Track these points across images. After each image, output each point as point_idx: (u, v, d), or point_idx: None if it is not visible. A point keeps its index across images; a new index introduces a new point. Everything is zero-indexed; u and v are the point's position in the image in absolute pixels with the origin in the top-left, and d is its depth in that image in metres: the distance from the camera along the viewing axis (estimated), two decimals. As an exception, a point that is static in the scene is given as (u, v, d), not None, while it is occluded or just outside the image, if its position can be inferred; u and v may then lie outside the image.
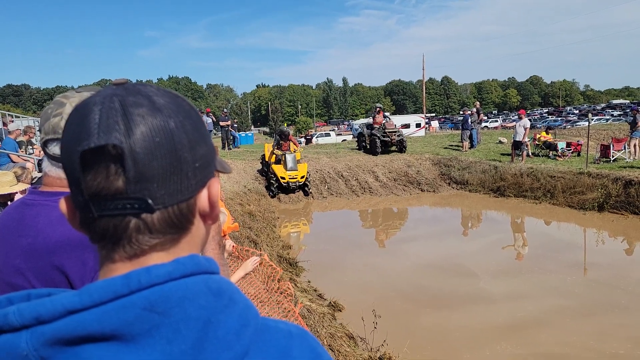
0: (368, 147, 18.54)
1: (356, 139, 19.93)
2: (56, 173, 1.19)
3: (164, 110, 0.54)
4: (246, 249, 4.97)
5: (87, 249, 1.04)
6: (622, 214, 10.64)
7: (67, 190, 0.56)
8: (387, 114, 19.36)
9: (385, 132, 17.89)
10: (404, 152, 18.00)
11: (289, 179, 14.02)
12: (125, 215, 0.52)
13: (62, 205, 0.57)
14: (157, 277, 0.51)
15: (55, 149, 1.18)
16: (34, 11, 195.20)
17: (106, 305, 0.48)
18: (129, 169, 0.50)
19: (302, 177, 14.25)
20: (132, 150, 0.50)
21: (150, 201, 0.52)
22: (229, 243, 2.69)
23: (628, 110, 49.63)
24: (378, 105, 19.05)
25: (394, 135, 18.02)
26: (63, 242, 1.04)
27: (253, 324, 0.55)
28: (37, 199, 1.14)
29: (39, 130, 1.26)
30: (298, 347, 0.57)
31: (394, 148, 18.21)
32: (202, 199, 0.58)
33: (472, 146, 18.60)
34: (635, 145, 14.01)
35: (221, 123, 20.57)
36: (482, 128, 24.10)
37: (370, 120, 19.81)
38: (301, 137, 41.69)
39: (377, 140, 17.76)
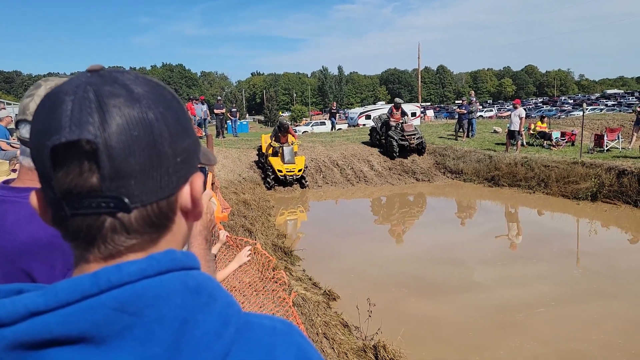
0: (380, 143, 17.01)
1: (369, 134, 18.19)
2: (28, 164, 1.12)
3: (143, 101, 0.50)
4: (240, 238, 4.96)
5: (56, 250, 0.99)
6: (615, 204, 10.70)
7: (39, 184, 0.52)
8: (401, 102, 17.18)
9: (403, 135, 16.04)
10: (423, 154, 16.39)
11: (286, 172, 13.86)
12: (100, 214, 0.49)
13: (33, 199, 0.53)
14: (128, 275, 0.47)
15: (23, 131, 1.12)
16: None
17: (73, 306, 0.45)
18: (104, 166, 0.47)
19: (300, 170, 14.10)
20: (107, 145, 0.46)
21: (126, 200, 0.48)
22: (223, 233, 2.68)
23: (622, 101, 49.85)
24: (398, 100, 17.08)
25: (413, 138, 16.03)
26: (30, 243, 0.99)
27: (235, 322, 0.52)
28: (7, 195, 1.08)
29: None
30: (282, 345, 0.54)
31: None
32: (184, 195, 0.54)
33: (469, 135, 18.59)
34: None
35: (215, 111, 20.44)
36: (477, 117, 24.08)
37: (382, 110, 18.86)
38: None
39: (393, 142, 15.99)
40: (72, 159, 0.47)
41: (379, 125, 17.10)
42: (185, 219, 0.57)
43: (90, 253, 0.51)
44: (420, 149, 16.36)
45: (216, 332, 0.49)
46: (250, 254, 2.60)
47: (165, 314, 0.47)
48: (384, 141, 16.74)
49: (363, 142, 18.09)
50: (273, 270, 4.87)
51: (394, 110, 16.55)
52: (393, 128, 16.38)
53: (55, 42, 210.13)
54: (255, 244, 4.83)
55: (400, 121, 16.43)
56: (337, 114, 29.97)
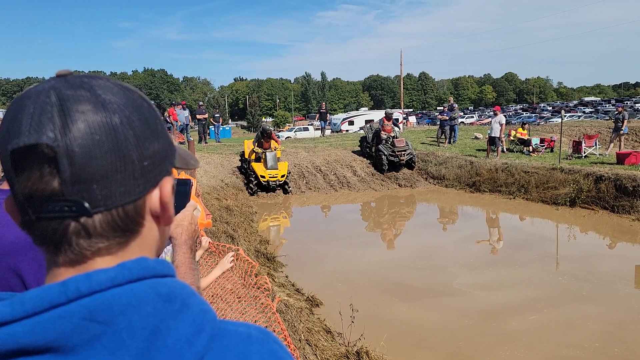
0: (369, 152, 16.76)
1: (359, 143, 17.72)
2: None
3: (109, 105, 0.50)
4: (222, 244, 4.92)
5: None
6: (592, 209, 10.90)
7: None
8: (393, 113, 16.77)
9: (394, 151, 15.65)
10: (413, 168, 16.11)
11: (269, 177, 13.79)
12: (63, 218, 0.49)
13: (5, 204, 0.53)
14: (98, 283, 0.47)
15: None
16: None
17: (40, 316, 0.44)
18: (64, 170, 0.47)
19: (283, 176, 14.05)
20: (67, 149, 0.47)
21: (86, 204, 0.48)
22: (205, 239, 2.66)
23: (599, 108, 50.96)
24: (389, 111, 16.81)
25: (404, 154, 15.69)
26: (19, 243, 1.00)
27: (208, 329, 0.51)
28: None
29: None
30: (257, 352, 0.53)
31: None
32: (153, 199, 0.54)
33: (451, 141, 18.79)
34: (619, 141, 14.75)
35: (198, 116, 20.32)
36: (459, 124, 24.36)
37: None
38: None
39: (383, 157, 15.66)
40: (32, 163, 0.47)
41: (370, 135, 16.68)
42: (156, 224, 0.57)
43: (58, 257, 0.51)
44: (410, 165, 16.08)
45: (188, 339, 0.49)
46: (233, 260, 2.58)
47: (136, 322, 0.47)
48: (373, 153, 16.38)
49: (353, 151, 17.77)
50: (255, 277, 4.84)
51: (385, 121, 16.15)
52: (384, 142, 15.93)
53: (34, 45, 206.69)
54: (238, 249, 4.80)
55: (392, 135, 16.04)
56: (327, 115, 26.69)
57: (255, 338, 0.55)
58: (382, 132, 16.07)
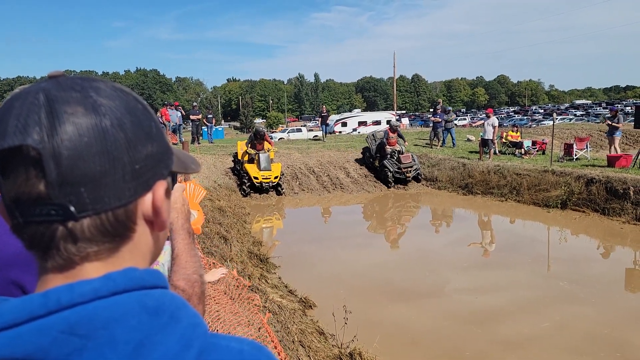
0: (372, 165, 16.07)
1: (361, 153, 17.03)
2: None
3: (99, 107, 0.49)
4: (213, 262, 4.93)
5: None
6: (583, 212, 10.96)
7: None
8: (398, 125, 16.07)
9: (399, 168, 14.86)
10: (420, 181, 15.47)
11: (262, 179, 13.76)
12: (50, 222, 0.47)
13: None
14: (80, 295, 0.45)
15: None
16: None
17: (19, 328, 0.43)
18: (50, 173, 0.46)
19: (276, 177, 14.03)
20: (54, 151, 0.45)
21: (72, 208, 0.47)
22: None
23: (590, 111, 51.42)
24: (394, 122, 16.00)
25: (410, 170, 14.93)
26: (20, 254, 0.96)
27: (198, 344, 0.49)
28: None
29: None
30: None
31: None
32: (146, 203, 0.53)
33: (453, 144, 18.87)
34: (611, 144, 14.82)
35: (191, 117, 20.25)
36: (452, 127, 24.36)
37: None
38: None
39: (389, 174, 14.92)
40: (17, 165, 0.46)
41: (373, 147, 15.91)
42: (150, 229, 0.55)
43: (47, 262, 0.50)
44: (417, 178, 15.41)
45: (175, 355, 0.47)
46: (224, 276, 2.55)
47: (119, 337, 0.45)
48: (377, 166, 15.73)
49: (356, 160, 17.22)
50: (249, 278, 4.84)
51: (390, 133, 15.36)
52: (388, 156, 15.13)
53: (26, 44, 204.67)
54: (232, 270, 4.80)
55: (397, 149, 15.24)
56: (328, 117, 25.30)
57: (248, 354, 0.52)
58: (386, 145, 15.29)
